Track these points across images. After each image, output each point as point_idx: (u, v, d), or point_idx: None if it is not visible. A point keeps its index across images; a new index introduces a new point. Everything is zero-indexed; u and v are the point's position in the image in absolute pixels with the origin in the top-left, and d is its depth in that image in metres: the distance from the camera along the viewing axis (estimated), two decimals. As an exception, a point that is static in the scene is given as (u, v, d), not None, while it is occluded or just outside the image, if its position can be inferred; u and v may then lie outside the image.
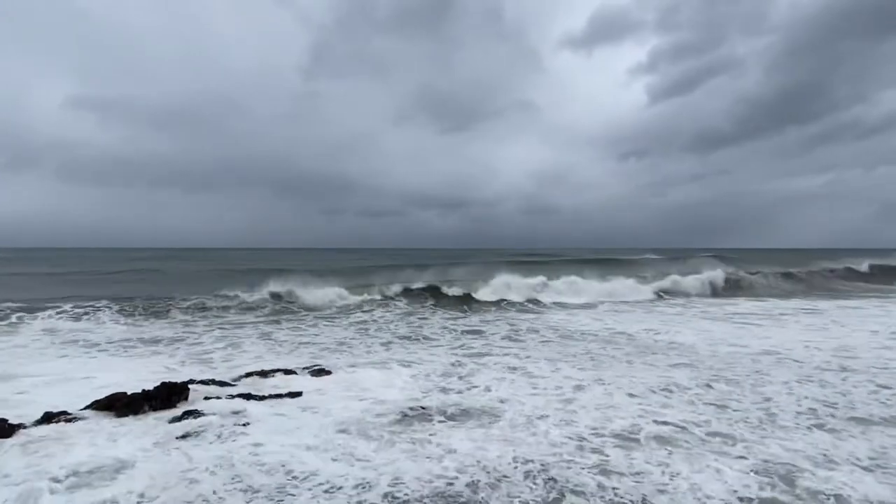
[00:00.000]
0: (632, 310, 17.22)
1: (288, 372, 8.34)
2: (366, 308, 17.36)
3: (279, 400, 6.90)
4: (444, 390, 7.53)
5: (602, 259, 43.10)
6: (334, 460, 5.00)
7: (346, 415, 6.35)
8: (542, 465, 4.83)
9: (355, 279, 22.24)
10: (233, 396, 6.88)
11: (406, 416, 6.30)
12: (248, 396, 6.89)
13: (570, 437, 5.55)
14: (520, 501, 4.14)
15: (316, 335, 12.76)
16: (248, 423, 5.92)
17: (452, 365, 9.20)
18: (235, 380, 7.90)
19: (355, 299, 18.33)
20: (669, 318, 15.22)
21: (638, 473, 4.63)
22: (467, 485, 4.44)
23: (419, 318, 15.63)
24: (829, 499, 4.11)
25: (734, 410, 6.34)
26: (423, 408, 6.59)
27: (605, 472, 4.64)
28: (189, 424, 5.81)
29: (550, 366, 9.02)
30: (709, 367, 8.54)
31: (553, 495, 4.25)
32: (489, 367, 9.03)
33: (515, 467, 4.78)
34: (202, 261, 48.58)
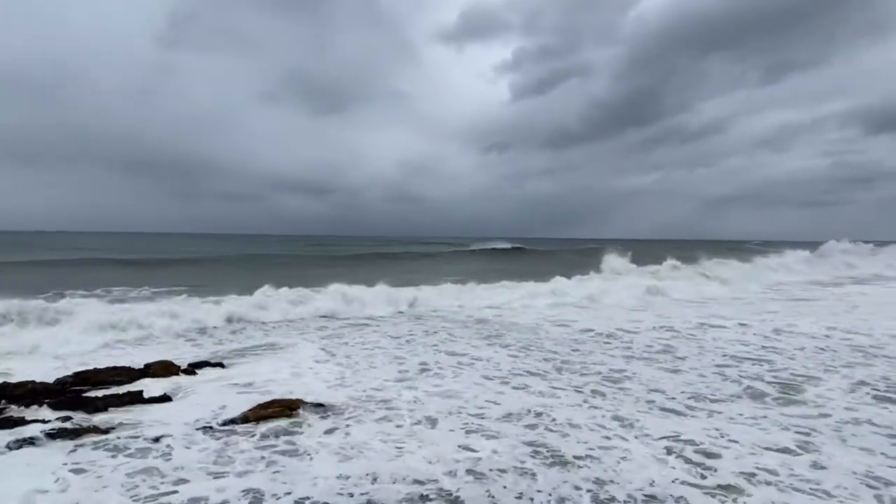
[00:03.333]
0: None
1: (133, 371, 6.98)
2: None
3: (126, 408, 5.69)
4: (323, 379, 6.89)
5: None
6: (203, 474, 4.07)
7: (206, 416, 5.40)
8: (476, 459, 4.43)
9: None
10: (57, 400, 5.65)
11: (282, 410, 5.43)
12: (77, 401, 5.68)
13: (486, 428, 5.21)
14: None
15: (172, 320, 10.76)
16: (81, 436, 4.74)
17: (325, 350, 8.72)
18: (62, 381, 6.47)
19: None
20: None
21: (585, 458, 4.45)
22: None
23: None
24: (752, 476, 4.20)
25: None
26: (298, 402, 5.67)
27: (560, 464, 4.39)
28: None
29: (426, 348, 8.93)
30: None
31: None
32: (363, 351, 8.68)
33: (458, 463, 4.33)
34: (26, 246, 42.21)
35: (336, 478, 4.08)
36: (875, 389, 6.47)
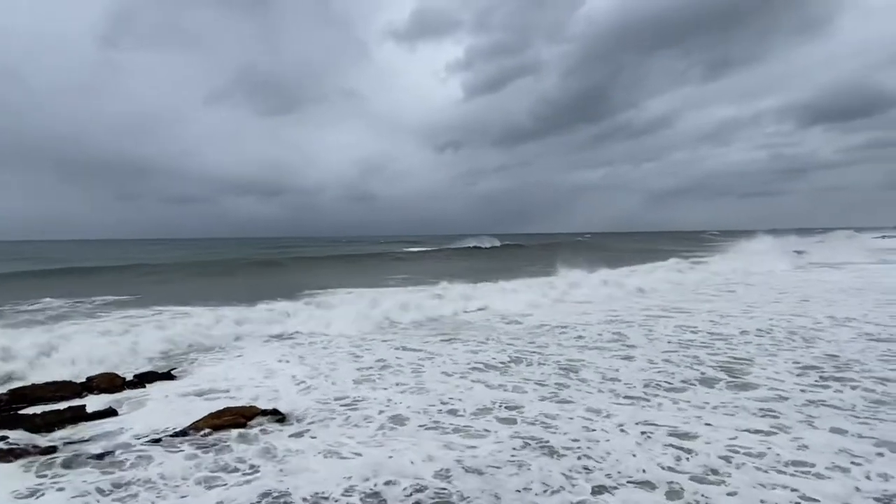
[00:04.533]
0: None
1: (74, 385, 6.48)
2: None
3: (70, 426, 5.23)
4: (282, 383, 6.67)
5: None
6: (203, 488, 3.81)
7: (158, 429, 5.08)
8: (466, 455, 4.35)
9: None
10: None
11: (235, 419, 5.13)
12: (13, 419, 5.13)
13: (464, 424, 5.16)
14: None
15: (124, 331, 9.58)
16: (22, 457, 4.34)
17: (278, 353, 8.39)
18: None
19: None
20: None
21: (571, 448, 4.47)
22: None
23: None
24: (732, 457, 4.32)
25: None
26: (253, 409, 5.38)
27: (549, 456, 4.37)
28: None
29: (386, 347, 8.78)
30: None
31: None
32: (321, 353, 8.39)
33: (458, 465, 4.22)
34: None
35: (344, 477, 3.99)
36: (821, 372, 6.73)
